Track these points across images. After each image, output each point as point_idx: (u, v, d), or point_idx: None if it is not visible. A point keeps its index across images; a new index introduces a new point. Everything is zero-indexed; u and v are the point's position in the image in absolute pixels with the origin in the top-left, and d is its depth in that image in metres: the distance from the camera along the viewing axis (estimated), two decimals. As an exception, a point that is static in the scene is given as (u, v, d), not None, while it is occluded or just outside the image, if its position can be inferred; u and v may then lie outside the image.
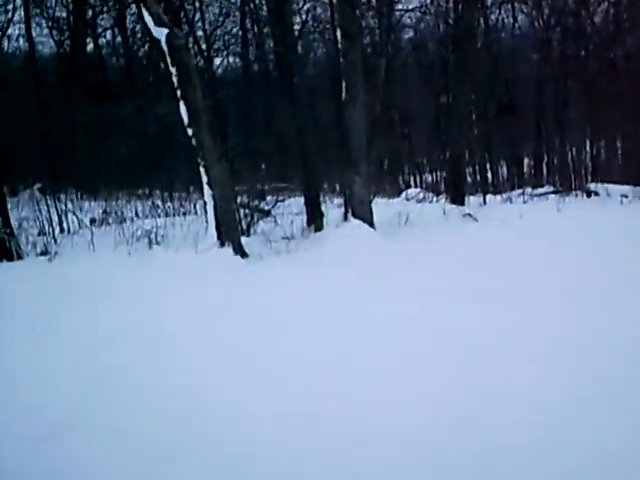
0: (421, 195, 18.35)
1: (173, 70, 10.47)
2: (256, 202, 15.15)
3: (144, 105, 15.31)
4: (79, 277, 9.24)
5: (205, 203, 10.92)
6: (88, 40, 27.34)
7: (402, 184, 23.72)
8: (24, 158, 24.10)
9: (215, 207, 10.66)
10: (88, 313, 7.52)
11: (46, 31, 28.52)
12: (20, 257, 10.49)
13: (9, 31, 27.79)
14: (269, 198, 16.72)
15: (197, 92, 10.61)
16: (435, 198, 17.87)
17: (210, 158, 10.60)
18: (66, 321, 7.26)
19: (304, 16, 29.59)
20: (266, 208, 15.41)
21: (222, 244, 10.63)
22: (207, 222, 10.90)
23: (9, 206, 12.68)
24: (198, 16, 29.60)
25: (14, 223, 12.02)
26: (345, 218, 12.66)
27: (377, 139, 14.65)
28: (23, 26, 26.51)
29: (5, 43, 28.12)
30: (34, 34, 27.17)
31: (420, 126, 28.34)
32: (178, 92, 10.53)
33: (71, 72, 25.28)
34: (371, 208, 12.67)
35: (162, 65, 11.75)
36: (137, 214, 15.56)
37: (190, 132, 10.58)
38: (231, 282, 9.24)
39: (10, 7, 27.49)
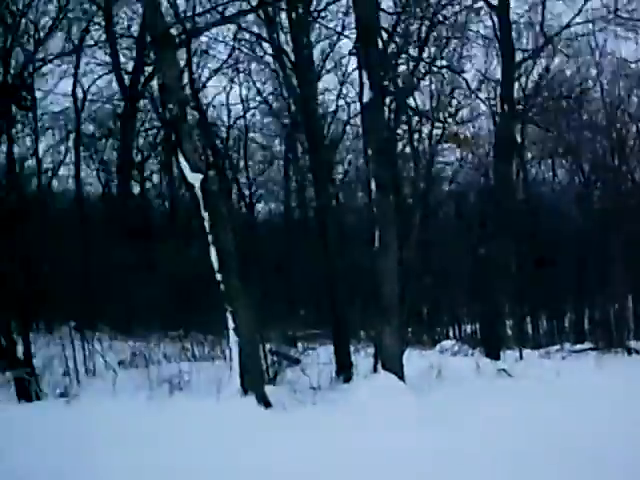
0: (456, 348, 17.97)
1: (205, 215, 10.53)
2: (286, 349, 15.00)
3: (182, 248, 15.48)
4: (94, 423, 8.99)
5: (230, 349, 10.73)
6: (134, 183, 28.24)
7: (440, 335, 23.29)
8: (65, 295, 24.44)
9: (240, 354, 10.44)
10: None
11: (95, 172, 29.71)
12: (39, 398, 10.28)
13: (60, 171, 29.04)
14: (300, 345, 16.62)
15: (228, 238, 10.61)
16: (471, 351, 17.47)
17: (237, 305, 10.47)
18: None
19: (346, 165, 30.41)
20: (296, 356, 15.21)
21: (245, 392, 10.34)
22: (231, 369, 10.66)
23: (43, 343, 12.74)
24: (242, 163, 30.57)
25: (43, 362, 12.00)
26: (375, 369, 12.31)
27: (412, 289, 14.47)
28: (73, 167, 27.63)
29: (55, 183, 29.31)
30: (83, 175, 28.34)
31: (461, 277, 28.22)
32: (209, 237, 10.54)
33: (115, 213, 25.93)
34: (401, 360, 12.35)
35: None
36: (166, 357, 15.43)
37: (219, 277, 10.51)
38: (249, 437, 8.88)
39: (62, 149, 28.83)
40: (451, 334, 26.27)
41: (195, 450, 7.99)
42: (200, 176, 10.58)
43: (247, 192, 30.71)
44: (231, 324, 10.50)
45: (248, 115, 30.57)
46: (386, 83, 12.64)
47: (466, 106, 24.48)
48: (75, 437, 8.26)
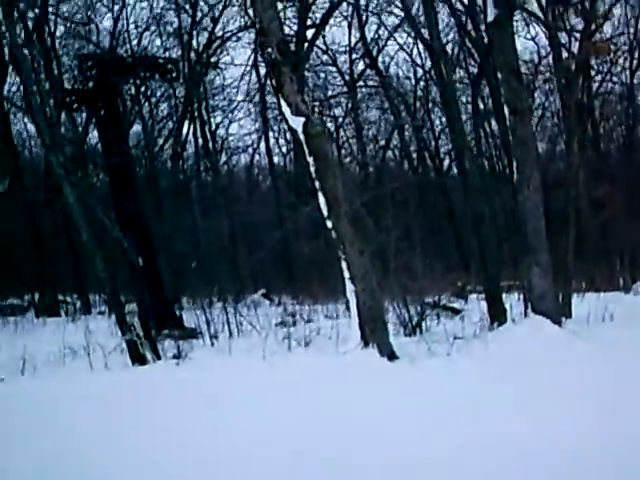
0: (646, 286, 16.03)
1: (310, 160, 9.89)
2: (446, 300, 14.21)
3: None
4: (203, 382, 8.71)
5: (347, 300, 10.07)
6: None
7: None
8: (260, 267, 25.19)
9: (357, 304, 9.73)
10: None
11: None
12: (154, 361, 10.21)
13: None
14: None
15: (336, 181, 9.91)
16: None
17: (351, 251, 9.75)
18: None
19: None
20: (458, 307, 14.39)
21: (366, 344, 9.63)
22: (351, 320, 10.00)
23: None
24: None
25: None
26: (525, 314, 11.14)
27: (573, 222, 13.05)
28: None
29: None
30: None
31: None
32: (316, 183, 9.90)
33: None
34: (558, 302, 11.10)
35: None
36: (327, 316, 15.18)
37: (329, 224, 9.84)
38: (364, 389, 8.17)
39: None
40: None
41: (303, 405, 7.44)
42: (302, 119, 9.93)
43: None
44: (346, 273, 9.81)
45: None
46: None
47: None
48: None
